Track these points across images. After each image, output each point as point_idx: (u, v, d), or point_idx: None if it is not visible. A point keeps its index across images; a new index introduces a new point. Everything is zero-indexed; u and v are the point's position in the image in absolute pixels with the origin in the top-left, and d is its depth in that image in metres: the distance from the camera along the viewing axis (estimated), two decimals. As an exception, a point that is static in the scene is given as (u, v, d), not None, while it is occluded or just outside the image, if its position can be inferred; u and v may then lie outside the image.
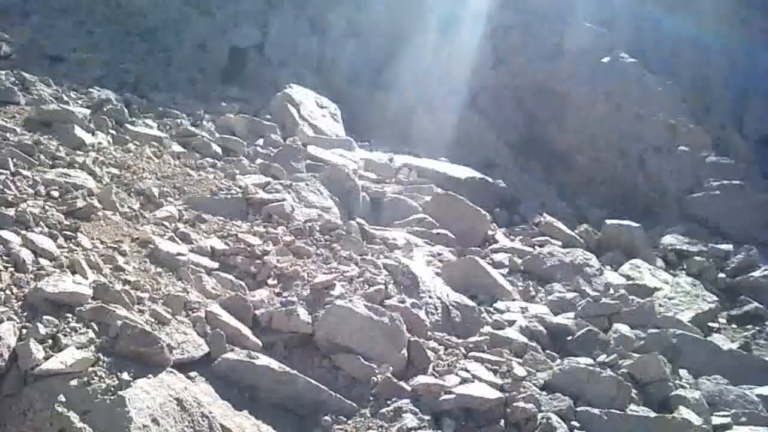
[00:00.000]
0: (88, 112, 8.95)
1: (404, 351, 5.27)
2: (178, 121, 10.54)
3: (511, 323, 6.34)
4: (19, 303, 4.05)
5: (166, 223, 6.28)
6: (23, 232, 4.92)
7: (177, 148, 9.13)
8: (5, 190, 5.61)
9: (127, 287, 4.68)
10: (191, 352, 4.40)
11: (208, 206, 7.09)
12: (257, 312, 5.32)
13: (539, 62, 15.02)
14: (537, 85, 14.91)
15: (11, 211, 5.17)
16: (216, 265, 5.94)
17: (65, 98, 9.70)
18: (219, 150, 9.62)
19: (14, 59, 12.72)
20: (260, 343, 4.99)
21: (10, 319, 3.84)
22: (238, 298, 5.36)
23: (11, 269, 4.37)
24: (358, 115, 14.15)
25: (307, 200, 8.36)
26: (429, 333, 5.73)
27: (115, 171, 7.23)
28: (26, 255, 4.56)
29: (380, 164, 11.13)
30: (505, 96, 15.16)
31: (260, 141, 10.77)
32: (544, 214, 10.69)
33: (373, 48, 16.04)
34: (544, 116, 14.68)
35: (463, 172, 11.42)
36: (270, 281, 5.96)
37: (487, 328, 6.10)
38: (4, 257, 4.50)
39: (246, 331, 5.00)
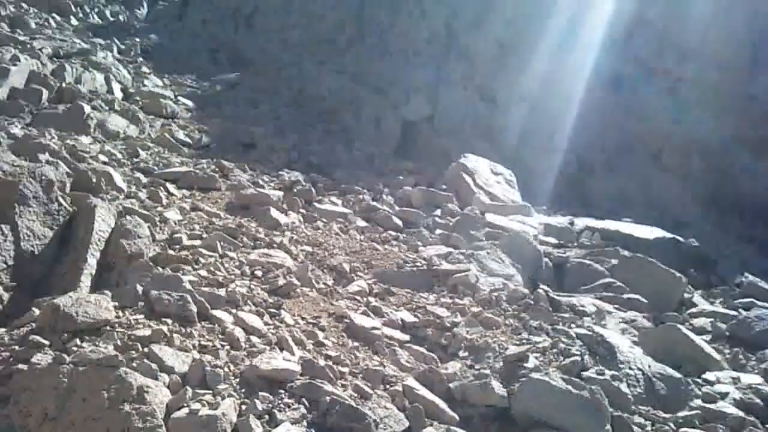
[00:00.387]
0: (280, 194, 9.63)
1: (608, 426, 5.00)
2: (360, 196, 11.04)
3: (724, 396, 5.82)
4: (237, 380, 4.36)
5: (359, 298, 6.53)
6: (234, 311, 5.34)
7: (361, 223, 9.55)
8: (216, 271, 6.15)
9: (329, 362, 4.88)
10: (393, 427, 4.46)
11: (395, 279, 7.29)
12: (451, 385, 5.30)
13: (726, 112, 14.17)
14: (728, 135, 14.02)
15: (222, 291, 5.64)
16: (407, 337, 6.05)
17: (260, 182, 10.53)
18: (400, 222, 9.92)
19: (213, 148, 14.05)
20: (457, 417, 4.96)
21: (230, 395, 4.13)
22: (432, 372, 5.39)
23: (227, 347, 4.73)
24: (533, 180, 14.05)
25: (490, 269, 8.32)
26: (633, 407, 5.41)
27: (309, 248, 7.67)
28: (239, 333, 4.92)
29: (560, 228, 10.88)
30: (691, 150, 14.39)
31: (438, 211, 10.97)
32: (746, 274, 9.86)
33: (542, 111, 15.98)
34: (737, 168, 13.71)
35: (650, 232, 10.86)
36: (461, 353, 5.95)
37: (697, 402, 5.64)
38: (220, 336, 4.89)
39: (442, 404, 4.99)
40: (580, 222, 11.42)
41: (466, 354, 5.94)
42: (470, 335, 6.13)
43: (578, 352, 5.89)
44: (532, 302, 7.09)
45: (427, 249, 8.72)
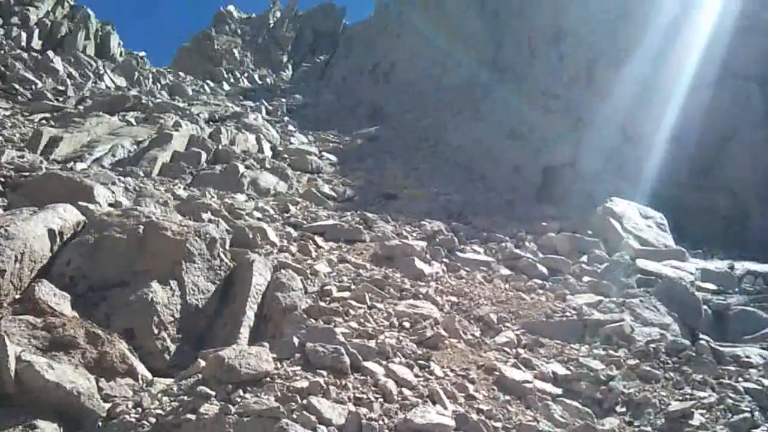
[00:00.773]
0: (423, 243, 9.74)
1: (788, 493, 4.57)
2: (503, 244, 10.93)
3: None
4: (391, 433, 4.39)
5: (507, 349, 6.42)
6: (385, 362, 5.41)
7: (505, 271, 9.43)
8: (365, 323, 6.28)
9: (482, 417, 4.81)
10: (551, 486, 4.31)
11: (544, 329, 7.10)
12: (610, 442, 5.06)
13: None
14: None
15: (373, 343, 5.73)
16: (560, 391, 5.84)
17: (403, 233, 10.72)
18: (545, 270, 9.70)
19: (356, 201, 14.51)
20: (617, 477, 4.72)
21: (386, 450, 4.16)
22: (588, 428, 5.16)
23: (381, 399, 4.79)
24: (686, 222, 13.31)
25: (645, 318, 7.91)
26: (815, 471, 4.91)
27: (454, 299, 7.67)
28: (391, 385, 4.97)
29: (719, 273, 10.21)
30: None
31: (584, 258, 10.63)
32: None
33: (692, 149, 15.20)
34: None
35: (821, 276, 9.95)
36: (618, 408, 5.66)
37: None
38: (373, 388, 4.95)
39: (601, 463, 4.77)
40: (741, 266, 10.67)
41: (624, 409, 5.65)
42: (627, 389, 5.83)
43: (748, 408, 5.45)
44: (693, 354, 6.65)
45: (575, 298, 8.46)
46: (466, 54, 24.74)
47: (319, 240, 9.73)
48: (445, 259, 9.55)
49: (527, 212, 14.22)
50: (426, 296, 7.44)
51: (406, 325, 6.46)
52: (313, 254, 8.86)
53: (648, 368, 6.30)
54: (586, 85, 16.36)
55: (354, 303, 6.77)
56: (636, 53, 16.06)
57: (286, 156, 17.80)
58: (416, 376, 5.36)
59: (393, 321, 6.50)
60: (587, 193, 14.69)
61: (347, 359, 5.13)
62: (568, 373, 6.15)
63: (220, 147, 15.39)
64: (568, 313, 7.57)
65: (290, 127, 24.21)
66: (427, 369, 5.55)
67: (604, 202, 12.31)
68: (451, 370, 5.68)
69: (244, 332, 6.06)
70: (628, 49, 16.11)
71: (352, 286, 7.42)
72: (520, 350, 6.50)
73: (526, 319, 7.37)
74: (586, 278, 9.47)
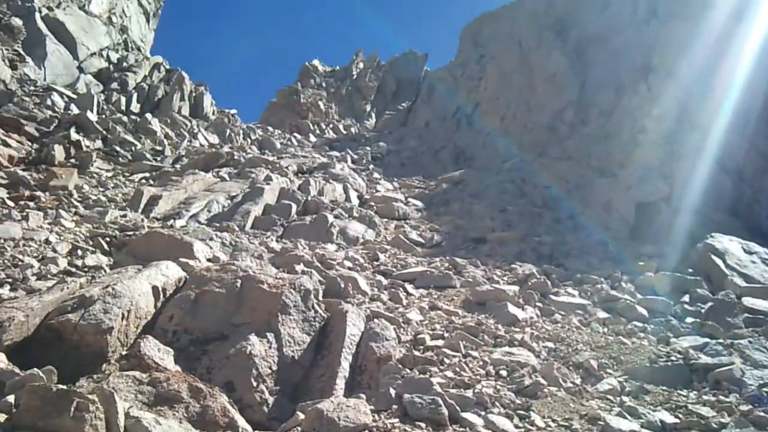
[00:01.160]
0: (515, 288, 9.59)
1: None
2: (598, 286, 10.60)
3: None
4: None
5: (611, 397, 6.17)
6: (483, 413, 5.31)
7: (602, 314, 9.12)
8: (461, 372, 6.20)
9: (588, 469, 4.63)
10: None
11: (649, 375, 6.80)
12: (730, 497, 4.75)
13: None
14: None
15: (470, 393, 5.65)
16: (669, 440, 5.57)
17: (494, 277, 10.59)
18: (645, 312, 9.32)
19: (444, 246, 14.47)
20: None
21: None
22: (703, 481, 4.88)
23: (483, 452, 4.69)
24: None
25: (755, 360, 7.45)
26: None
27: (551, 344, 7.47)
28: (491, 437, 4.86)
29: (835, 311, 9.53)
30: None
31: (686, 297, 10.16)
32: None
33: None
34: None
35: None
36: (734, 459, 5.34)
37: None
38: (474, 440, 4.86)
39: None
40: None
41: (740, 460, 5.32)
42: (744, 439, 5.49)
43: None
44: (814, 399, 6.22)
45: (679, 340, 8.07)
46: (550, 93, 24.55)
47: (409, 287, 9.75)
48: (538, 304, 9.34)
49: (622, 251, 13.78)
50: (522, 343, 7.29)
51: (503, 373, 6.33)
52: (405, 302, 8.88)
53: (762, 414, 5.92)
54: (678, 117, 15.87)
55: (448, 351, 6.71)
56: (731, 83, 15.52)
57: (372, 203, 18.03)
58: (516, 426, 5.24)
59: (489, 369, 6.39)
60: (685, 229, 14.12)
61: (445, 410, 5.08)
62: (677, 421, 5.85)
63: (309, 198, 15.76)
64: (673, 358, 7.23)
65: (375, 175, 24.54)
66: (527, 419, 5.42)
67: (705, 239, 11.79)
68: (553, 420, 5.51)
69: (340, 383, 6.09)
70: (723, 81, 15.58)
71: (446, 334, 7.38)
72: (625, 398, 6.24)
73: (628, 364, 7.08)
74: (689, 319, 9.04)
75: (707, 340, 8.07)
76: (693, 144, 15.54)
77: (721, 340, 7.98)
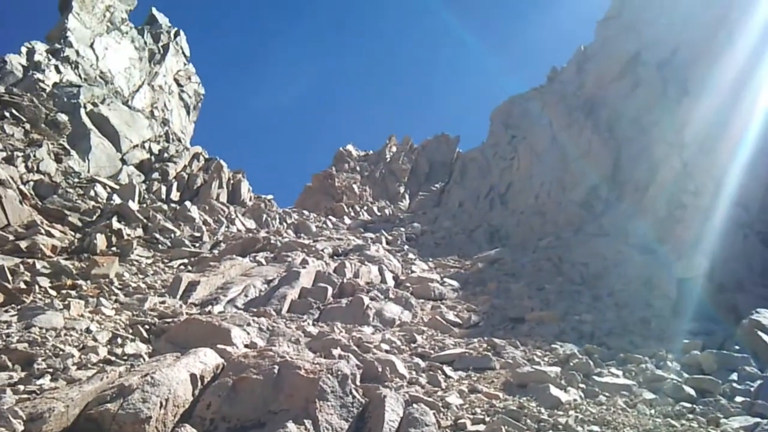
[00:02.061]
0: (557, 369, 9.37)
1: None
2: (642, 365, 10.31)
3: None
4: None
5: (664, 483, 5.91)
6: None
7: (648, 395, 8.83)
8: (505, 459, 6.00)
9: None
10: None
11: (700, 460, 6.52)
12: None
13: None
14: None
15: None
16: None
17: (534, 358, 10.37)
18: (692, 392, 9.00)
19: (482, 326, 14.28)
20: None
21: None
22: None
23: None
24: None
25: (815, 440, 7.13)
26: None
27: (596, 428, 7.22)
28: None
29: None
30: None
31: (734, 375, 9.82)
32: None
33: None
34: None
35: None
36: None
37: None
38: None
39: None
40: None
41: None
42: None
43: None
44: None
45: (730, 421, 7.75)
46: (583, 170, 24.62)
47: (447, 369, 9.60)
48: (581, 385, 9.09)
49: (665, 329, 13.43)
50: (566, 427, 7.06)
51: (550, 459, 6.13)
52: (443, 385, 8.73)
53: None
54: (715, 192, 15.73)
55: (490, 437, 6.53)
56: (762, 155, 15.43)
57: (408, 285, 17.98)
58: None
59: (535, 456, 6.19)
60: (730, 305, 13.78)
61: (488, 500, 4.91)
62: (733, 508, 5.57)
63: (345, 280, 15.79)
64: (725, 441, 6.93)
65: (410, 255, 24.56)
66: None
67: (750, 314, 11.48)
68: None
69: (380, 471, 5.96)
70: (758, 151, 15.51)
71: (487, 418, 7.19)
72: (679, 484, 5.98)
73: (678, 448, 6.81)
74: (738, 398, 8.70)
75: (758, 420, 7.75)
76: (733, 219, 15.32)
77: (774, 420, 7.65)
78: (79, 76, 29.13)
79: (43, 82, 26.34)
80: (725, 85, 17.93)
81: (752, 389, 8.94)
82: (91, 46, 31.22)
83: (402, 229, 32.78)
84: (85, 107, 26.14)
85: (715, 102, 17.92)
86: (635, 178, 20.74)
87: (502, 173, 33.71)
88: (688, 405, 8.44)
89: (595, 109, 25.96)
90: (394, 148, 58.89)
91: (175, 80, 38.30)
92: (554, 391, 8.27)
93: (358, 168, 54.77)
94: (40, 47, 28.47)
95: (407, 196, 51.58)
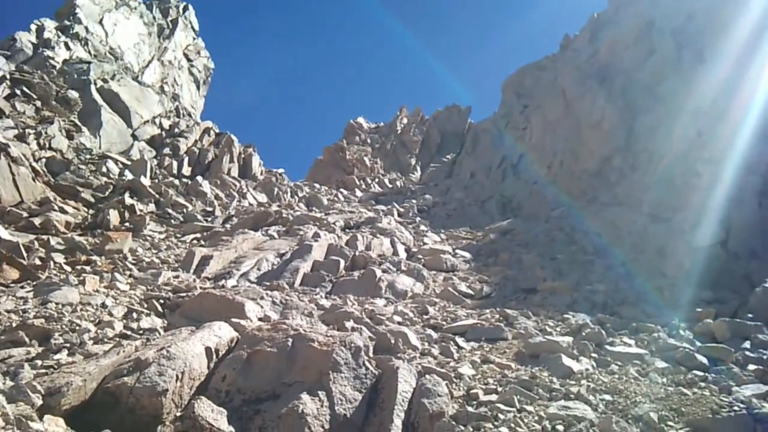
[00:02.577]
0: (569, 339, 9.38)
1: None
2: (655, 335, 10.30)
3: None
4: None
5: (675, 451, 5.95)
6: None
7: (660, 363, 8.82)
8: (517, 428, 6.07)
9: None
10: None
11: (711, 427, 6.52)
12: None
13: None
14: None
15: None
16: (739, 497, 5.32)
17: (546, 328, 10.40)
18: (705, 360, 8.99)
19: (494, 297, 14.30)
20: None
21: None
22: None
23: None
24: None
25: (827, 410, 7.12)
26: None
27: (608, 397, 7.25)
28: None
29: None
30: None
31: (747, 344, 9.79)
32: None
33: None
34: None
35: None
36: None
37: None
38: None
39: None
40: None
41: None
42: (820, 495, 5.21)
43: None
44: None
45: (742, 389, 7.73)
46: (597, 140, 24.41)
47: (460, 341, 9.65)
48: (594, 354, 9.10)
49: (678, 298, 13.38)
50: (578, 396, 7.10)
51: (560, 428, 6.16)
52: (456, 356, 8.78)
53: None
54: (730, 160, 15.54)
55: (502, 407, 6.58)
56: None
57: (420, 256, 18.01)
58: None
59: (545, 425, 6.23)
60: (744, 273, 13.69)
61: (501, 468, 4.96)
62: (745, 475, 5.60)
63: (357, 253, 15.84)
64: (735, 407, 6.92)
65: (422, 227, 24.57)
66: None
67: (764, 282, 11.42)
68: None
69: (394, 441, 6.03)
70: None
71: (499, 389, 7.24)
72: (690, 452, 6.01)
73: (690, 416, 6.81)
74: (751, 366, 8.67)
75: (772, 388, 7.74)
76: (749, 187, 15.14)
77: (786, 388, 7.64)
78: (89, 52, 29.13)
79: (53, 59, 26.36)
80: (739, 51, 17.63)
81: (765, 357, 8.92)
82: (100, 22, 31.16)
83: (413, 200, 32.75)
84: (95, 83, 26.16)
85: (729, 69, 17.64)
86: (649, 147, 20.53)
87: (515, 144, 33.48)
88: (701, 373, 8.44)
89: (609, 77, 25.62)
90: (405, 120, 58.60)
91: (185, 55, 38.22)
92: (566, 360, 8.30)
93: (369, 140, 54.60)
94: (50, 24, 28.45)
95: (419, 168, 51.45)
